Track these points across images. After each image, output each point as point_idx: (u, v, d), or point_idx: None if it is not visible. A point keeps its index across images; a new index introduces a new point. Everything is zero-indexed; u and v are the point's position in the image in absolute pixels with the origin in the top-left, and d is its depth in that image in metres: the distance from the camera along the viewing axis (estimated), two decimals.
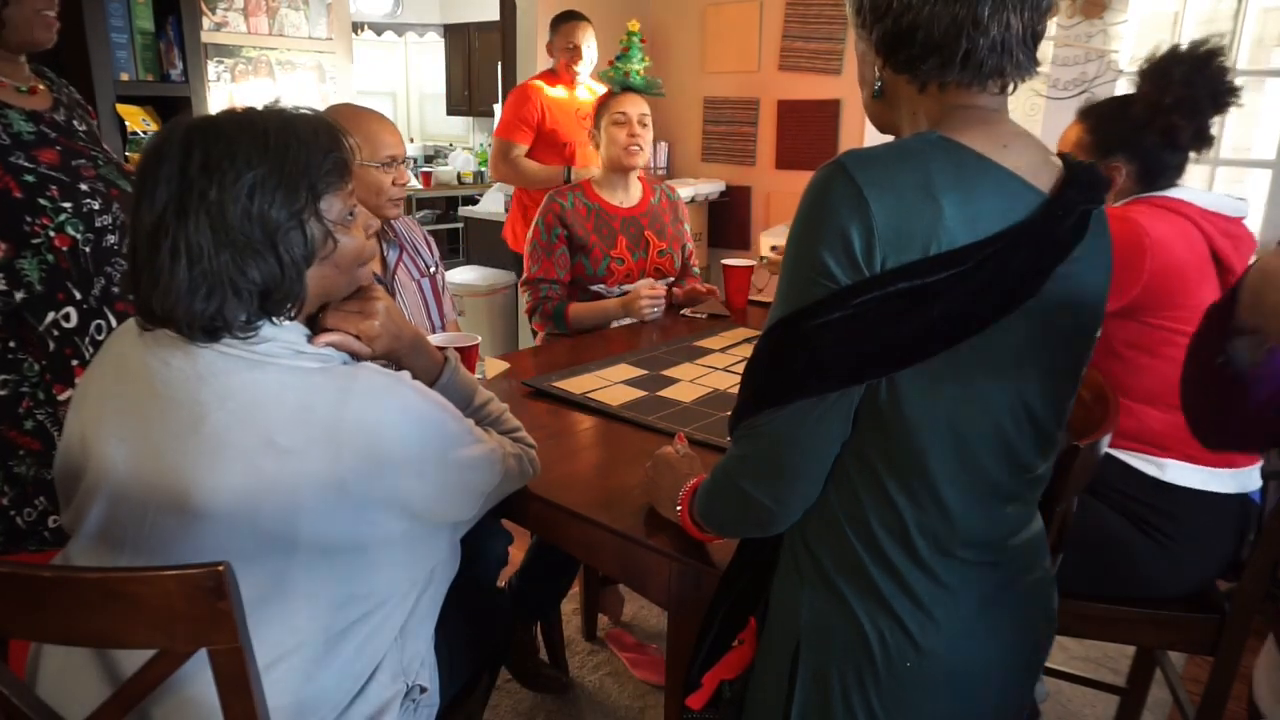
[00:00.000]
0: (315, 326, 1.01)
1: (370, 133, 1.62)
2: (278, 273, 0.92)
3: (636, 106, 2.25)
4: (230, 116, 0.94)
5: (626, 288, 2.31)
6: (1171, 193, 1.53)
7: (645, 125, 2.28)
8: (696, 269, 2.54)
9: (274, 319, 0.95)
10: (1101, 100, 1.63)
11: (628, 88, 2.29)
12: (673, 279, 2.44)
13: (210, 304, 0.90)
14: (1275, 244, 1.63)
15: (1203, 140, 1.50)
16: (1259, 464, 1.56)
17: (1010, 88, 0.83)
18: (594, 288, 2.30)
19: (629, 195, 2.37)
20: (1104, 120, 1.58)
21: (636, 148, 2.26)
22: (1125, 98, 1.58)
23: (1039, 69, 0.84)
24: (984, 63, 0.79)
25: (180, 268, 0.88)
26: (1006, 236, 0.76)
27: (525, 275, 2.29)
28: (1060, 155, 0.85)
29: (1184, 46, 1.49)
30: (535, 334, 2.34)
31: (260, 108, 0.97)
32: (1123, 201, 1.56)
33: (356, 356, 1.05)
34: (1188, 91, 1.45)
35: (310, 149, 0.94)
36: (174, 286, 0.88)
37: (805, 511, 0.86)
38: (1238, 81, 1.50)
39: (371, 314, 1.06)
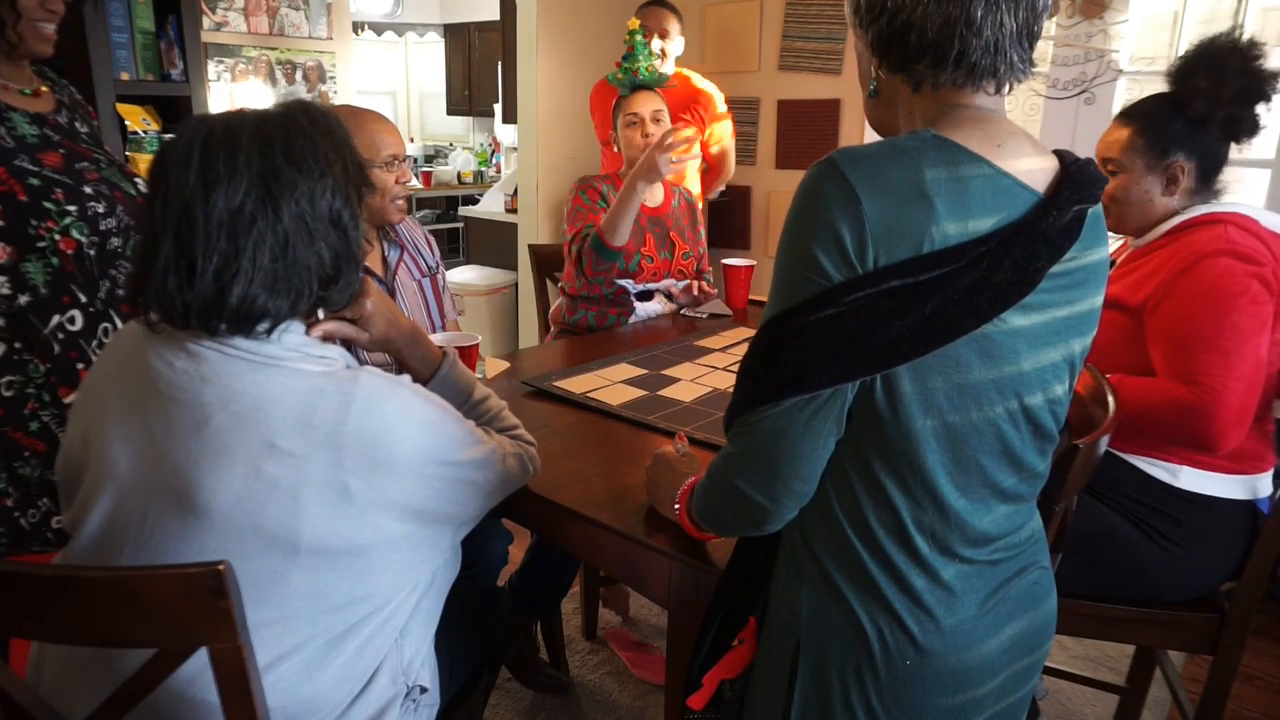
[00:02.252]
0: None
1: (371, 133, 1.62)
2: (346, 268, 0.96)
3: (648, 105, 2.23)
4: (293, 111, 0.95)
5: (652, 286, 2.31)
6: (1237, 209, 1.51)
7: (659, 121, 2.25)
8: (709, 275, 2.53)
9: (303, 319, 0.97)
10: (1145, 100, 1.60)
11: (637, 85, 2.28)
12: (689, 281, 2.44)
13: (284, 300, 0.91)
14: None
15: (1255, 129, 1.50)
16: (1270, 470, 1.55)
17: (1006, 88, 0.83)
18: (621, 281, 2.29)
19: (654, 194, 2.36)
20: (1156, 120, 1.55)
21: None
22: (1174, 95, 1.55)
23: (1035, 70, 0.84)
24: (977, 64, 0.79)
25: (264, 258, 0.89)
26: (999, 235, 0.76)
27: (569, 235, 2.23)
28: (1057, 153, 0.85)
29: (1224, 38, 1.49)
30: (550, 328, 2.34)
31: (298, 100, 0.99)
32: (1197, 212, 1.53)
33: (355, 343, 1.06)
34: (1244, 81, 1.46)
35: (355, 152, 0.99)
36: (255, 279, 0.89)
37: (804, 510, 0.86)
38: (1278, 76, 1.49)
39: (362, 295, 1.08)
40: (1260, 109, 1.49)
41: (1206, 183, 1.57)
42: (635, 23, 2.29)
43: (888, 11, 0.81)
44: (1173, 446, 1.49)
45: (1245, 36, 1.49)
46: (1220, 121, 1.49)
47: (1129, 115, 1.59)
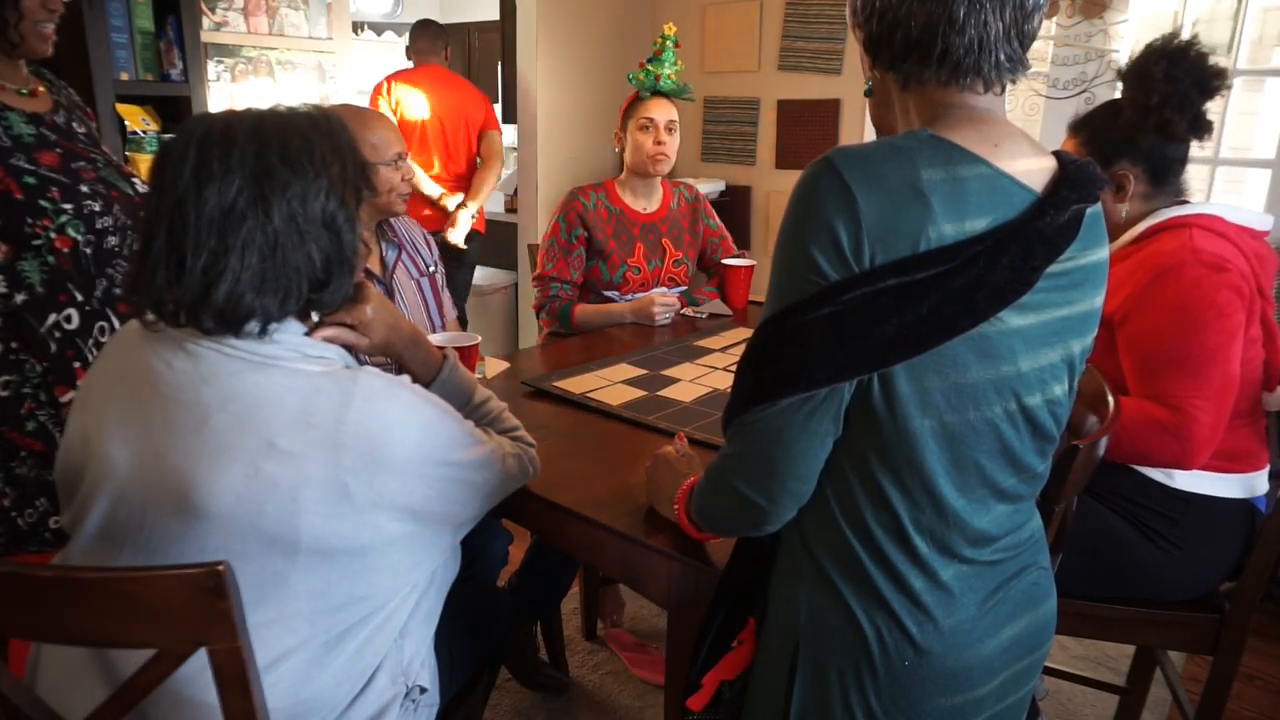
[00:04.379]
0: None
1: (377, 132, 1.64)
2: (337, 271, 0.96)
3: (665, 112, 2.22)
4: (295, 113, 0.96)
5: (640, 296, 2.30)
6: (1204, 209, 1.50)
7: (672, 132, 2.23)
8: (741, 257, 2.46)
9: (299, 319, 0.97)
10: (1091, 111, 1.62)
11: (657, 91, 2.26)
12: (684, 287, 2.43)
13: (271, 299, 0.91)
14: None
15: (1200, 128, 1.49)
16: (1265, 468, 1.55)
17: (999, 88, 0.83)
18: (608, 294, 2.29)
19: (651, 200, 2.35)
20: (1098, 130, 1.57)
21: (662, 156, 2.22)
22: (1113, 104, 1.57)
23: (1029, 69, 0.84)
24: (960, 62, 0.80)
25: (252, 257, 0.89)
26: (996, 234, 0.76)
27: (538, 271, 2.27)
28: (1055, 154, 0.85)
29: (1158, 43, 1.50)
30: (540, 329, 2.34)
31: (304, 106, 0.99)
32: (1163, 217, 1.52)
33: (355, 349, 1.06)
34: (1172, 86, 1.45)
35: (357, 154, 0.99)
36: (242, 277, 0.89)
37: (803, 510, 0.86)
38: (1233, 80, 1.49)
39: (363, 301, 1.08)
40: (1203, 108, 1.47)
41: (1161, 185, 1.55)
42: (671, 29, 2.29)
43: (877, 11, 0.82)
44: (1146, 463, 1.49)
45: (1180, 40, 1.48)
46: (1153, 126, 1.49)
47: (1076, 126, 1.62)
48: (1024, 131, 0.84)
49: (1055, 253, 0.79)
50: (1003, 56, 0.81)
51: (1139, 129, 1.50)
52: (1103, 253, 0.87)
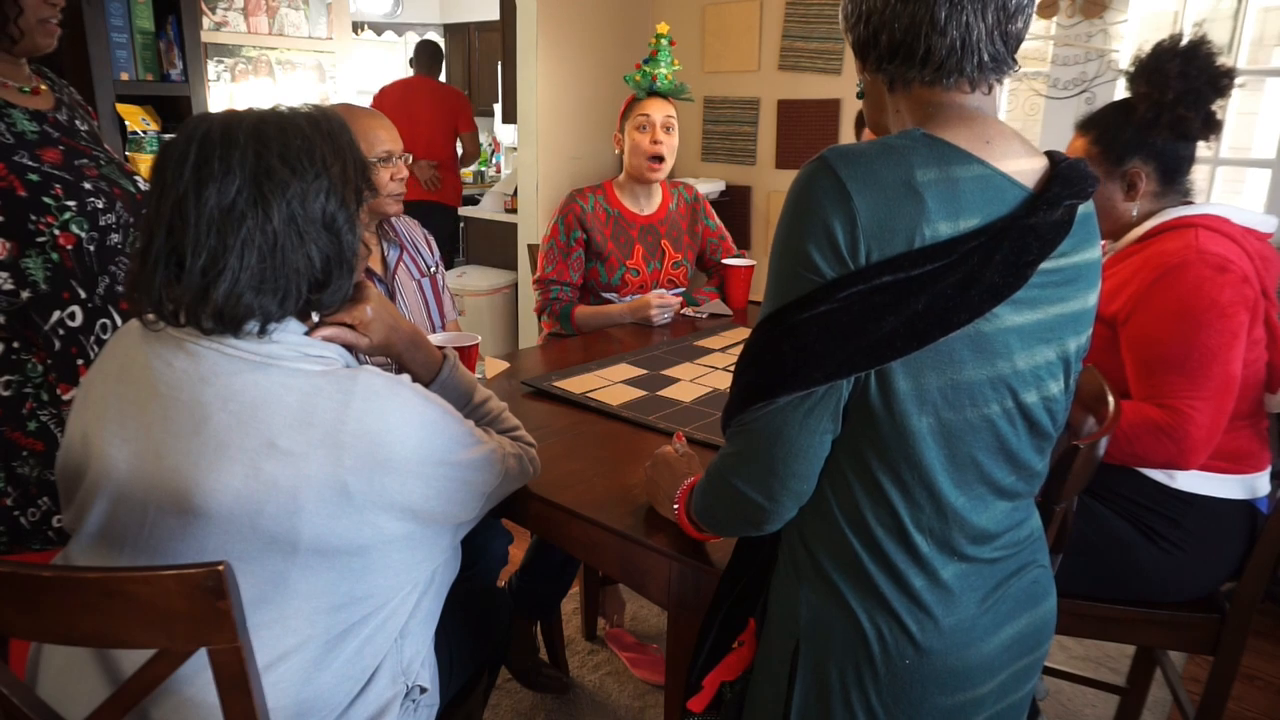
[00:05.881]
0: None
1: (364, 129, 1.63)
2: (337, 272, 0.96)
3: (661, 110, 2.20)
4: (296, 113, 0.96)
5: (638, 298, 2.30)
6: (1209, 210, 1.50)
7: (670, 130, 2.22)
8: (741, 257, 2.44)
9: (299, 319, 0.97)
10: (1099, 110, 1.62)
11: (654, 91, 2.26)
12: (683, 289, 2.42)
13: (270, 299, 0.91)
14: None
15: (1211, 126, 1.50)
16: (1268, 469, 1.55)
17: (985, 88, 0.83)
18: (606, 295, 2.28)
19: (650, 202, 2.34)
20: (1109, 128, 1.56)
21: (659, 154, 2.21)
22: (1124, 102, 1.57)
23: (1015, 69, 0.84)
24: (943, 63, 0.81)
25: (251, 258, 0.89)
26: (989, 230, 0.77)
27: (538, 274, 2.27)
28: (1047, 153, 0.86)
29: (1168, 41, 1.50)
30: (541, 330, 2.34)
31: (305, 106, 0.99)
32: (1168, 216, 1.52)
33: (354, 348, 1.06)
34: (1186, 84, 1.46)
35: (358, 154, 1.00)
36: (241, 277, 0.89)
37: (802, 509, 0.86)
38: (1232, 73, 1.49)
39: (362, 301, 1.08)
40: (1214, 106, 1.48)
41: (1171, 184, 1.55)
42: (664, 28, 2.28)
43: (863, 15, 0.84)
44: (1143, 464, 1.48)
45: (1191, 39, 1.48)
46: (1167, 124, 1.48)
47: (1085, 125, 1.61)
48: (1015, 130, 0.85)
49: (1049, 248, 0.79)
50: (986, 57, 0.81)
51: (1153, 126, 1.50)
52: (1095, 251, 0.88)
